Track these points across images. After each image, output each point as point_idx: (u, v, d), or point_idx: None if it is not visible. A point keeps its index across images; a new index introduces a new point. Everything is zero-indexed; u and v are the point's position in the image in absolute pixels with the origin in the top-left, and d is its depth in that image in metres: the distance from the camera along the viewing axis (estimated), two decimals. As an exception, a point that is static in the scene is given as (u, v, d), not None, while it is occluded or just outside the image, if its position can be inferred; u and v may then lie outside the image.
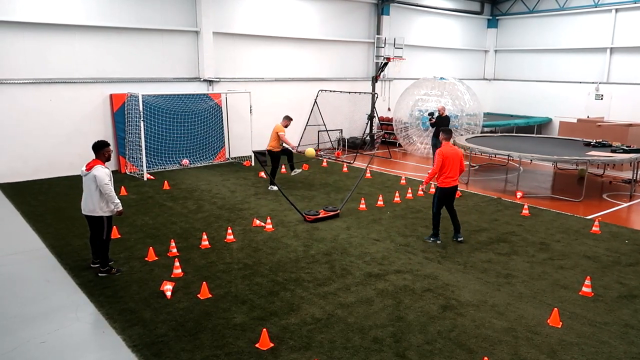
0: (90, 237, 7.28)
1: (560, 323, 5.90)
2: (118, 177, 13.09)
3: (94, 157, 6.98)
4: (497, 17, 24.60)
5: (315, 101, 18.50)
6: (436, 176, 8.54)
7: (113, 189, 6.90)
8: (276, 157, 12.27)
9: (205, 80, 15.59)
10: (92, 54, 13.52)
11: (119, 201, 6.96)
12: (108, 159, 7.05)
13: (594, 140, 14.22)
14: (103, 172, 6.78)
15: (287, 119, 12.43)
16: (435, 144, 14.84)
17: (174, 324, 5.79)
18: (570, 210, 10.99)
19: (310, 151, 12.30)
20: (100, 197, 6.83)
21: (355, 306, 6.27)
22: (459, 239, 8.73)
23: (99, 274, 7.06)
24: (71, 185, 12.24)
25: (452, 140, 9.10)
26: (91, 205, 6.88)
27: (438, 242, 8.61)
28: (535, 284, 7.02)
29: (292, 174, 12.61)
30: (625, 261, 7.98)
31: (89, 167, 6.85)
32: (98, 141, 7.07)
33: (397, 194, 11.49)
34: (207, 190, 12.07)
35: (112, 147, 7.38)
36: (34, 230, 9.02)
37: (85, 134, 13.55)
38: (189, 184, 12.60)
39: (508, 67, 24.61)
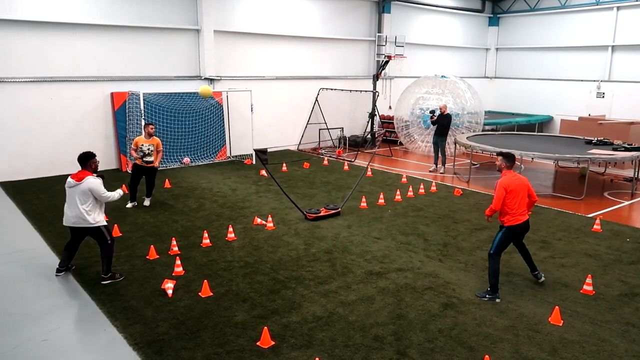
0: (69, 243, 7.02)
1: (562, 321, 5.90)
2: (119, 175, 13.10)
3: (80, 168, 6.77)
4: (498, 15, 24.55)
5: (317, 99, 18.49)
6: (499, 213, 6.66)
7: (108, 195, 6.72)
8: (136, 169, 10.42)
9: (206, 79, 15.58)
10: (93, 52, 13.52)
11: (112, 193, 6.80)
12: (95, 171, 6.82)
13: (595, 139, 14.19)
14: (98, 182, 6.61)
15: (146, 125, 10.40)
16: (436, 142, 14.83)
17: (175, 322, 5.80)
18: (572, 208, 10.98)
19: (205, 90, 10.28)
20: (93, 206, 6.61)
21: (356, 304, 6.28)
22: (540, 279, 6.91)
23: (102, 282, 6.79)
24: (72, 184, 12.25)
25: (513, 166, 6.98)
26: (82, 215, 6.58)
27: (497, 300, 6.46)
28: (536, 282, 7.01)
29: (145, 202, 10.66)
30: (627, 259, 7.98)
31: (79, 178, 6.59)
32: (84, 152, 6.83)
33: (398, 192, 11.49)
34: (208, 188, 12.08)
35: (106, 150, 7.26)
36: (35, 229, 9.03)
37: (87, 133, 13.58)
38: (190, 182, 12.61)
39: (509, 65, 24.57)
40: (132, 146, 10.29)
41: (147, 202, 10.56)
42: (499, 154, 7.00)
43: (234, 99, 16.10)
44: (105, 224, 6.89)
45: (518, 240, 6.87)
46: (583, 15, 21.47)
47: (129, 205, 10.38)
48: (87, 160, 6.78)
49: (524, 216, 6.61)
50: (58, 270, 7.11)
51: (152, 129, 10.25)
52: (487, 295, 6.50)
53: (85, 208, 6.60)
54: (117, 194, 6.94)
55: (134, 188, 10.37)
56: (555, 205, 11.20)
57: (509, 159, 6.82)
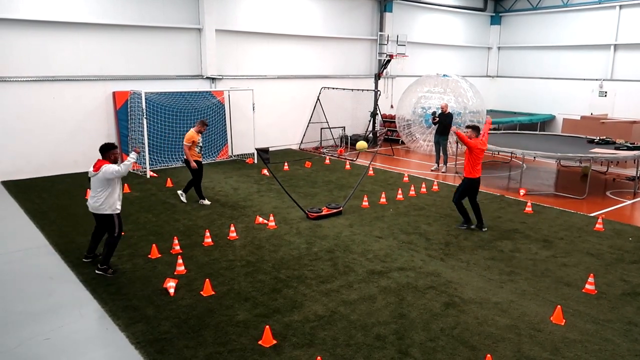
0: (94, 232, 7.43)
1: (564, 320, 5.89)
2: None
3: (100, 158, 7.00)
4: (500, 14, 24.51)
5: (318, 98, 18.49)
6: (466, 169, 9.00)
7: (122, 166, 6.82)
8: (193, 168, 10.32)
9: (207, 78, 15.59)
10: (95, 51, 13.54)
11: (128, 161, 6.83)
12: (114, 162, 7.04)
13: (598, 138, 14.18)
14: (110, 166, 6.79)
15: (201, 124, 10.34)
16: (438, 142, 14.81)
17: (177, 321, 5.80)
18: (574, 207, 10.96)
19: (362, 144, 10.56)
20: (108, 196, 6.86)
21: (358, 303, 6.28)
22: (484, 229, 9.17)
23: (96, 271, 7.03)
24: (74, 183, 12.27)
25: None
26: (97, 203, 6.91)
27: (472, 227, 9.19)
28: (538, 281, 7.01)
29: (182, 197, 10.80)
30: (629, 258, 7.96)
31: (97, 167, 6.85)
32: (105, 143, 7.12)
33: (400, 192, 11.48)
34: (210, 187, 12.08)
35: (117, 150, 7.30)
36: (38, 228, 9.05)
37: (89, 132, 13.59)
38: (191, 182, 12.61)
39: (511, 64, 24.54)
40: (187, 142, 10.14)
41: (185, 199, 10.79)
42: (467, 126, 9.18)
43: (235, 98, 16.11)
44: (118, 212, 7.04)
45: (473, 196, 9.19)
46: (585, 14, 21.42)
47: (208, 202, 10.67)
48: (106, 151, 7.01)
49: (478, 173, 9.01)
50: (85, 257, 7.53)
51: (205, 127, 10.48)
52: (463, 226, 9.24)
53: (100, 196, 6.87)
54: (131, 158, 6.92)
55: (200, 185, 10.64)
56: (558, 204, 11.18)
57: (476, 129, 9.02)
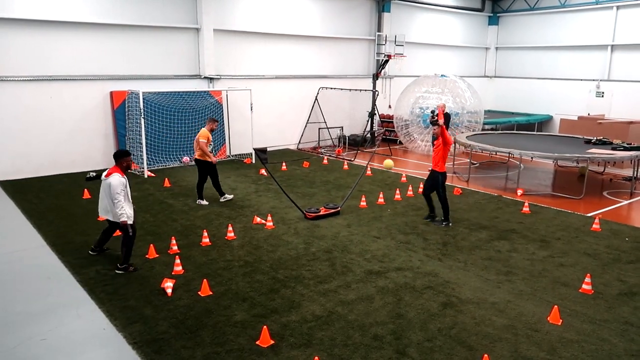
0: (105, 228, 7.63)
1: (560, 320, 5.91)
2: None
3: (114, 164, 7.15)
4: (498, 14, 24.55)
5: (316, 98, 18.49)
6: (439, 164, 9.36)
7: (123, 200, 6.89)
8: (203, 166, 10.52)
9: (205, 78, 15.58)
10: (92, 51, 13.51)
11: (124, 212, 6.88)
12: (127, 169, 7.17)
13: (595, 138, 14.21)
14: (118, 181, 6.88)
15: (212, 122, 10.60)
16: (436, 142, 14.82)
17: (174, 321, 5.80)
18: (571, 207, 10.99)
19: (389, 163, 11.09)
20: (113, 203, 6.99)
21: (355, 303, 6.29)
22: (435, 223, 9.58)
23: (116, 271, 7.11)
24: (72, 183, 12.25)
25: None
26: (105, 210, 7.12)
27: (450, 224, 9.42)
28: (535, 282, 7.03)
29: (222, 199, 10.90)
30: (626, 259, 7.99)
31: (109, 173, 7.00)
32: (119, 150, 7.28)
33: (397, 192, 11.50)
34: (208, 187, 12.04)
35: (105, 150, 7.38)
36: (35, 228, 9.03)
37: (86, 131, 13.57)
38: (189, 182, 12.60)
39: (509, 65, 24.57)
40: (205, 141, 10.26)
41: (230, 196, 11.07)
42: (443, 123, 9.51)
43: (233, 98, 16.10)
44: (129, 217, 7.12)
45: (437, 189, 9.45)
46: (583, 15, 21.47)
47: (205, 202, 10.74)
48: (119, 157, 7.16)
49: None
50: (92, 249, 7.74)
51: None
52: (443, 223, 9.42)
53: (108, 202, 7.01)
54: (128, 217, 6.94)
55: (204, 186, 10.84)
56: (555, 204, 11.21)
57: (448, 120, 9.46)
